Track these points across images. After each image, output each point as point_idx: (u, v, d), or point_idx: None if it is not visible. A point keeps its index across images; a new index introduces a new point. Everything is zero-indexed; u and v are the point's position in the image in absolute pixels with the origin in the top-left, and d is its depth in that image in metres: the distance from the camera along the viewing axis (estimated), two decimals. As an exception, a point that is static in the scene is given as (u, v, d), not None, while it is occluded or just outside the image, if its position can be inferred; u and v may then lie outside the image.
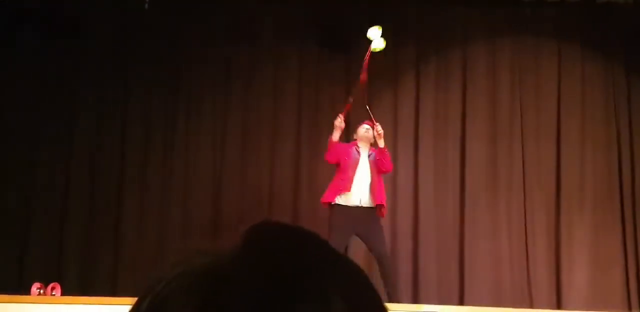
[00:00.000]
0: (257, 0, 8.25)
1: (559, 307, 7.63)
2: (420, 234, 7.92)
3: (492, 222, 7.96)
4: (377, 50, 6.72)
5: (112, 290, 7.27)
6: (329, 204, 6.60)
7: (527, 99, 8.20)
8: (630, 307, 7.69)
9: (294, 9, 8.22)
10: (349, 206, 6.52)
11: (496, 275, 7.82)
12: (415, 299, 7.67)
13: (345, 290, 0.61)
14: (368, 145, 6.76)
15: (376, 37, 6.71)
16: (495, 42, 8.26)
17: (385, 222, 6.91)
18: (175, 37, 8.21)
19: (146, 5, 8.11)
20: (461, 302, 7.70)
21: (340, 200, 6.54)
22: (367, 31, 6.81)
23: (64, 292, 6.40)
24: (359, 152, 6.70)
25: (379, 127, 6.68)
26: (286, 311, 0.58)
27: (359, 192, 6.55)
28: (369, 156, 6.70)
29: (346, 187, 6.52)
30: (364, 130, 6.77)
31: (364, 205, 6.55)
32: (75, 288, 7.21)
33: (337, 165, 6.71)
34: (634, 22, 8.07)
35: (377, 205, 6.56)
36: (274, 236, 0.64)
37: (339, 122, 6.71)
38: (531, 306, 7.56)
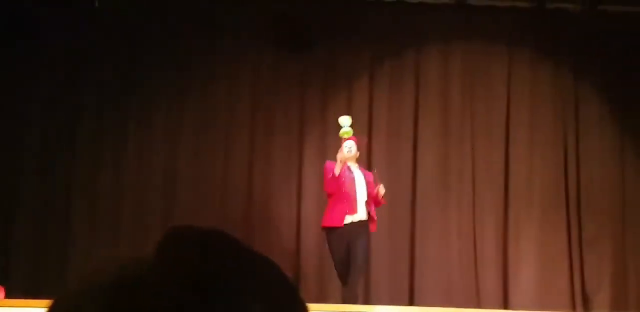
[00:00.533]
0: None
1: (505, 307, 7.79)
2: (372, 236, 7.99)
3: (443, 222, 8.09)
4: (344, 135, 6.83)
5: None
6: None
7: (477, 102, 8.33)
8: (574, 307, 7.89)
9: (251, 9, 8.22)
10: (343, 224, 6.67)
11: (446, 275, 7.96)
12: (366, 300, 7.77)
13: (261, 292, 0.61)
14: (355, 162, 6.94)
15: (345, 125, 6.84)
16: (447, 46, 8.37)
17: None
18: (128, 34, 8.14)
19: (96, 3, 8.05)
20: (411, 302, 7.82)
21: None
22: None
23: (10, 295, 6.31)
24: (351, 170, 6.84)
25: (382, 189, 6.83)
26: None
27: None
28: (361, 173, 6.90)
29: (353, 209, 6.67)
30: (346, 150, 6.83)
31: (359, 219, 6.72)
32: (21, 291, 7.08)
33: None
34: (583, 29, 8.26)
35: (368, 218, 6.75)
36: (187, 241, 0.62)
37: (342, 156, 6.74)
38: (479, 306, 7.70)
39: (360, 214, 6.72)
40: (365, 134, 8.22)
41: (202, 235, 0.64)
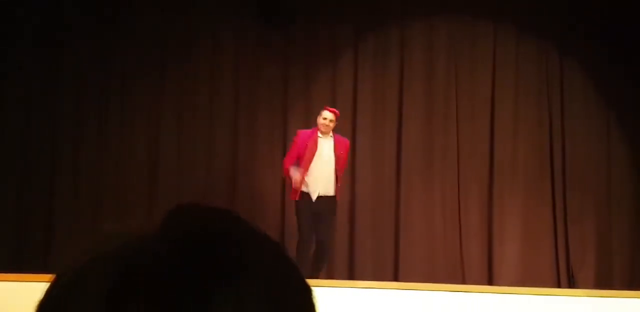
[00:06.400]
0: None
1: (490, 283, 7.79)
2: (356, 211, 7.99)
3: (427, 199, 8.07)
4: None
5: (43, 267, 7.18)
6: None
7: (462, 77, 8.27)
8: (559, 283, 7.88)
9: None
10: (310, 195, 6.78)
11: (430, 251, 7.95)
12: (351, 275, 7.76)
13: (267, 270, 0.60)
14: (329, 135, 6.93)
15: None
16: (432, 21, 8.29)
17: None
18: (106, 12, 8.06)
19: None
20: (395, 277, 7.81)
21: (304, 189, 6.79)
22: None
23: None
24: (318, 138, 6.87)
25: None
26: (203, 294, 0.56)
27: (322, 181, 6.80)
28: (333, 147, 6.90)
29: (305, 168, 6.74)
30: (326, 122, 6.87)
31: (327, 194, 6.81)
32: (5, 265, 7.09)
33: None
34: (568, 5, 8.19)
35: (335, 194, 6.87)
36: (193, 218, 0.62)
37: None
38: (463, 282, 7.70)
39: (324, 186, 6.79)
40: (350, 108, 8.18)
41: (209, 213, 0.63)
